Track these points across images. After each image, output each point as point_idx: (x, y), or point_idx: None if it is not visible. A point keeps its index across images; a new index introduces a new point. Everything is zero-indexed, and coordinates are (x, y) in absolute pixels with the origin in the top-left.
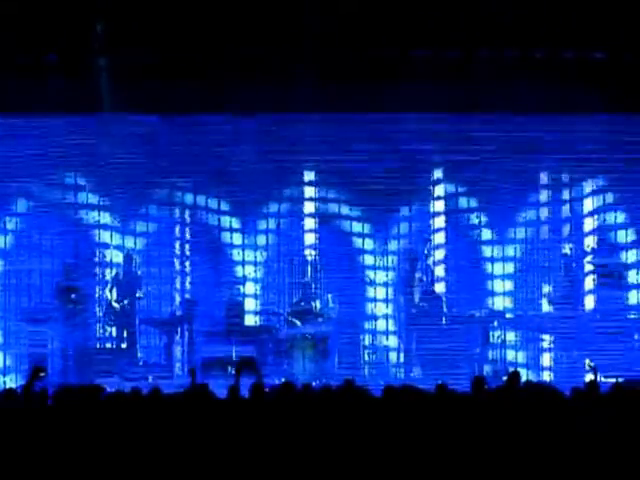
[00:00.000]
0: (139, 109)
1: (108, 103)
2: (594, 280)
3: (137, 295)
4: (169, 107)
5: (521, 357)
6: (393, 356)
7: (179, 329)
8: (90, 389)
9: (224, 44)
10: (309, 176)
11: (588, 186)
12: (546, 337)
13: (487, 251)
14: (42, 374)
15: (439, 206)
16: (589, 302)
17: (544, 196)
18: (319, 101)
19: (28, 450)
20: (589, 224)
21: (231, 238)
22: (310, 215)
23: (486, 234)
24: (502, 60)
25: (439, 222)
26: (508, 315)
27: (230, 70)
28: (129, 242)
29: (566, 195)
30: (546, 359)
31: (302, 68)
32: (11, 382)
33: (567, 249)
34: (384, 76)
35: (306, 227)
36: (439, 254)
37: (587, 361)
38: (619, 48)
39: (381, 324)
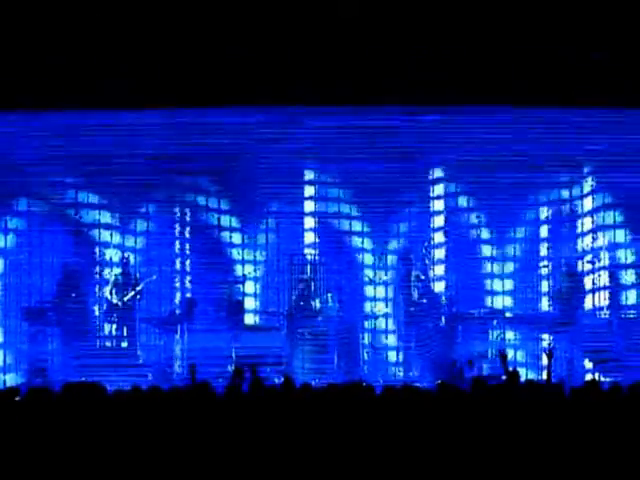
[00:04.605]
0: (139, 105)
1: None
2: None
3: (137, 289)
4: (168, 104)
5: (520, 356)
6: (392, 355)
7: (179, 328)
8: (91, 387)
9: (223, 41)
10: (309, 175)
11: (587, 185)
12: (545, 336)
13: (486, 250)
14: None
15: (439, 205)
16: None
17: (544, 195)
18: (319, 99)
19: (30, 447)
20: (588, 223)
21: (230, 237)
22: (310, 214)
23: (485, 233)
24: (502, 57)
25: (438, 221)
26: (507, 314)
27: (230, 67)
28: (129, 241)
29: (566, 194)
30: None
31: (303, 66)
32: (11, 380)
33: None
34: (384, 73)
35: (306, 226)
36: (438, 253)
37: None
38: (620, 45)
39: (380, 323)
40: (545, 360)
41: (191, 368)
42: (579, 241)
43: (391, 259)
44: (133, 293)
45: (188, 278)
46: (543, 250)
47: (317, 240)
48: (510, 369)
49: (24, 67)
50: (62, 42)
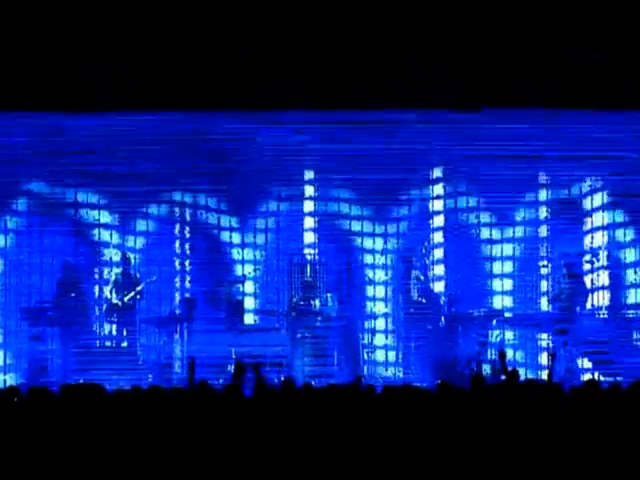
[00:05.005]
0: (139, 106)
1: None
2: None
3: (138, 289)
4: (168, 104)
5: (520, 356)
6: (392, 355)
7: (178, 328)
8: (91, 387)
9: (221, 41)
10: (309, 175)
11: (587, 185)
12: (544, 336)
13: (486, 250)
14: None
15: (438, 205)
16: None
17: (543, 195)
18: (318, 100)
19: (31, 447)
20: (588, 224)
21: (230, 237)
22: (309, 214)
23: (485, 233)
24: (503, 55)
25: (438, 221)
26: (507, 314)
27: (229, 67)
28: (129, 241)
29: (565, 194)
30: (544, 358)
31: (302, 67)
32: (11, 380)
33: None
34: (384, 72)
35: (305, 226)
36: (438, 253)
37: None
38: (620, 45)
39: (380, 323)
40: (546, 360)
41: (190, 363)
42: (579, 241)
43: (391, 259)
44: (133, 293)
45: (188, 278)
46: (543, 250)
47: (317, 240)
48: (509, 368)
49: (23, 67)
50: (62, 42)
